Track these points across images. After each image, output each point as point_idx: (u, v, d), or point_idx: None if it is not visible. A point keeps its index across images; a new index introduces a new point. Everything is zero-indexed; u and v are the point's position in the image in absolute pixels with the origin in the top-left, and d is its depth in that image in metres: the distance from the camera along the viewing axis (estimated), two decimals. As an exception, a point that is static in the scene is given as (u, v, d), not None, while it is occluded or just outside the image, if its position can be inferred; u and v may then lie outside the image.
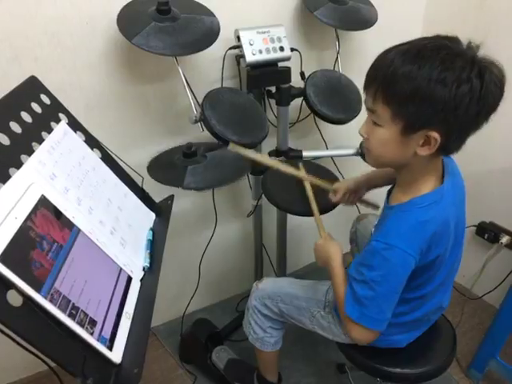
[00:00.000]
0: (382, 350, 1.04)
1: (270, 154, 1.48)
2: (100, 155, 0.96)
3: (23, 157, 0.74)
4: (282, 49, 1.29)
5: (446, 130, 0.76)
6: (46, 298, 0.60)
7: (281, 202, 1.22)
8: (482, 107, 0.74)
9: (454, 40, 0.76)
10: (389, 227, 0.87)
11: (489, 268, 1.71)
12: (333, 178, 1.31)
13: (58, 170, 0.79)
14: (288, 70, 1.32)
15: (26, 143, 0.77)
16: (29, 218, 0.65)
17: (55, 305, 0.62)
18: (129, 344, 0.72)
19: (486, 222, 1.70)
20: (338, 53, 1.45)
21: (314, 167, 1.35)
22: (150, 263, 0.90)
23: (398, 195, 0.91)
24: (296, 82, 1.36)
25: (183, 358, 1.57)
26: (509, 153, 1.57)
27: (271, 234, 1.66)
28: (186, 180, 1.05)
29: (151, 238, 0.97)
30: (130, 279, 0.83)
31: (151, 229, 1.00)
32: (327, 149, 1.65)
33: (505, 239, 1.62)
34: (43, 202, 0.70)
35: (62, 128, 0.87)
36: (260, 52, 1.25)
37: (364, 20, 1.40)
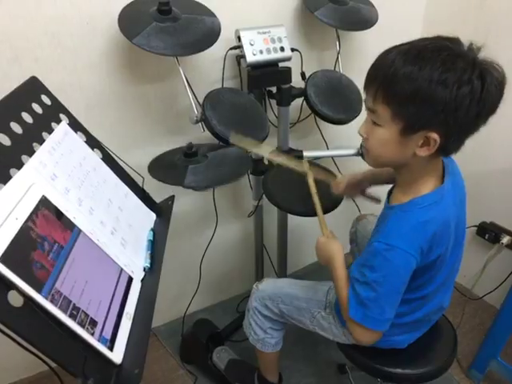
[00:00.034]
0: (383, 350, 1.04)
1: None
2: (101, 155, 0.96)
3: (24, 157, 0.74)
4: (282, 49, 1.29)
5: (446, 131, 0.76)
6: (46, 298, 0.61)
7: (281, 202, 1.22)
8: (482, 109, 0.74)
9: (455, 41, 0.76)
10: (389, 228, 0.87)
11: (489, 268, 1.71)
12: (333, 179, 1.30)
13: (59, 170, 0.79)
14: (288, 71, 1.32)
15: (26, 144, 0.77)
16: (30, 218, 0.65)
17: (56, 305, 0.62)
18: (129, 344, 0.72)
19: (486, 222, 1.70)
20: (338, 53, 1.45)
21: (314, 167, 1.35)
22: (151, 263, 0.90)
23: (398, 195, 0.91)
24: (296, 82, 1.36)
25: (184, 358, 1.57)
26: (509, 153, 1.57)
27: (272, 234, 1.66)
28: (186, 179, 1.05)
29: (152, 238, 0.97)
30: (130, 280, 0.83)
31: (152, 229, 1.00)
32: (328, 149, 1.65)
33: (505, 239, 1.62)
34: (44, 203, 0.70)
35: (62, 128, 0.87)
36: (261, 52, 1.25)
37: (364, 20, 1.40)
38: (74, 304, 0.65)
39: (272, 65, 1.29)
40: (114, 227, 0.87)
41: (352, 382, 1.41)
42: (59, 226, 0.71)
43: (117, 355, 0.69)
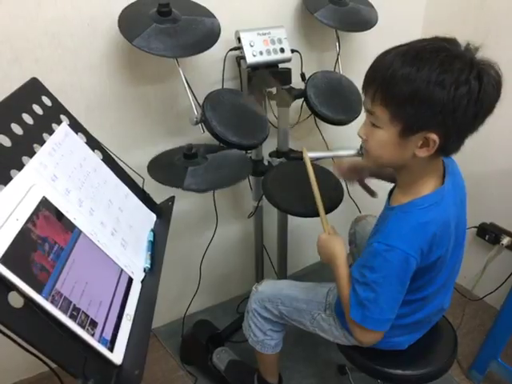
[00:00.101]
0: (383, 351, 1.04)
1: (271, 155, 1.48)
2: (101, 156, 0.96)
3: (24, 158, 0.74)
4: (282, 50, 1.29)
5: (445, 131, 0.76)
6: (47, 299, 0.61)
7: (281, 203, 1.22)
8: (480, 109, 0.75)
9: (453, 42, 0.76)
10: (390, 228, 0.87)
11: (490, 269, 1.71)
12: (333, 180, 1.31)
13: (59, 171, 0.79)
14: (288, 72, 1.32)
15: (27, 145, 0.77)
16: (30, 219, 0.65)
17: (56, 306, 0.62)
18: (130, 345, 0.72)
19: (486, 223, 1.70)
20: (338, 54, 1.45)
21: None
22: (151, 264, 0.90)
23: (398, 196, 0.91)
24: (296, 83, 1.36)
25: (184, 359, 1.57)
26: (509, 154, 1.57)
27: (272, 235, 1.66)
28: (186, 181, 1.05)
29: (152, 239, 0.97)
30: (130, 280, 0.83)
31: (152, 230, 1.00)
32: (328, 150, 1.65)
33: (506, 240, 1.62)
34: (44, 204, 0.70)
35: (63, 129, 0.87)
36: (260, 53, 1.25)
37: (364, 21, 1.40)
38: (75, 305, 0.65)
39: (272, 66, 1.30)
40: (115, 228, 0.88)
41: (352, 383, 1.41)
42: (60, 227, 0.71)
43: (117, 356, 0.69)
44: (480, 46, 0.75)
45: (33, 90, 0.87)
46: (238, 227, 1.71)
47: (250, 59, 1.24)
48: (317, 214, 1.10)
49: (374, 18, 1.42)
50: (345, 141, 1.62)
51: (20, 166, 0.72)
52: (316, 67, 1.50)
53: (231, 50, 1.28)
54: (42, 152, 0.78)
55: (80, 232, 0.76)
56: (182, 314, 1.66)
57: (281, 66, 1.31)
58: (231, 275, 1.80)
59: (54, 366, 0.61)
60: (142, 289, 0.84)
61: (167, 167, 1.13)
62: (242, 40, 1.24)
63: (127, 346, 0.72)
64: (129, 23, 1.09)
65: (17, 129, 0.76)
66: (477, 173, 1.51)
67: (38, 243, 0.64)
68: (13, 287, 0.57)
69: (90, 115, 1.21)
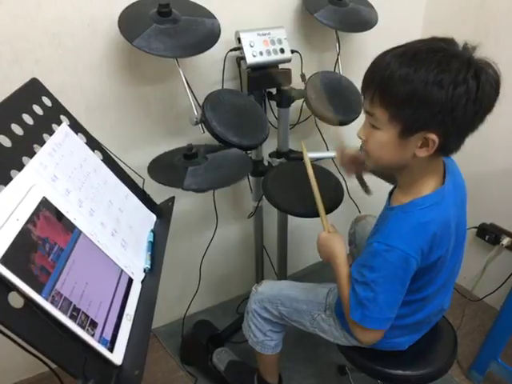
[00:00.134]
0: (383, 352, 1.04)
1: (271, 155, 1.48)
2: (101, 157, 0.96)
3: (25, 159, 0.74)
4: (282, 50, 1.29)
5: (444, 131, 0.76)
6: (47, 299, 0.61)
7: (281, 203, 1.22)
8: (479, 108, 0.75)
9: (450, 42, 0.76)
10: (390, 228, 0.87)
11: (490, 270, 1.71)
12: (333, 180, 1.31)
13: (60, 171, 0.80)
14: (289, 72, 1.32)
15: (27, 145, 0.77)
16: (30, 220, 0.65)
17: (56, 306, 0.62)
18: (130, 346, 0.72)
19: (486, 223, 1.70)
20: (338, 54, 1.45)
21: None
22: (151, 265, 0.90)
23: (398, 196, 0.91)
24: (296, 83, 1.36)
25: (184, 359, 1.57)
26: (509, 154, 1.57)
27: (272, 235, 1.66)
28: (186, 181, 1.05)
29: (152, 239, 0.97)
30: (130, 281, 0.83)
31: (152, 230, 1.00)
32: (328, 150, 1.65)
33: (506, 241, 1.62)
34: (44, 204, 0.70)
35: (63, 130, 0.87)
36: (261, 54, 1.25)
37: (364, 21, 1.40)
38: (75, 305, 0.65)
39: (272, 66, 1.30)
40: (115, 228, 0.88)
41: (352, 384, 1.41)
42: (60, 228, 0.71)
43: (117, 356, 0.69)
44: (477, 45, 0.75)
45: (33, 90, 0.87)
46: (238, 227, 1.71)
47: (250, 60, 1.24)
48: (317, 215, 1.10)
49: (374, 18, 1.42)
50: (345, 141, 1.62)
51: (20, 167, 0.72)
52: (316, 67, 1.50)
53: (231, 50, 1.28)
54: (42, 152, 0.78)
55: (80, 232, 0.76)
56: (182, 315, 1.66)
57: (281, 66, 1.31)
58: (231, 275, 1.80)
59: (54, 366, 0.61)
60: (142, 289, 0.84)
61: (167, 167, 1.14)
62: (242, 40, 1.24)
63: (127, 346, 0.72)
64: (129, 23, 1.09)
65: (17, 129, 0.76)
66: (477, 173, 1.51)
67: (38, 243, 0.64)
68: (13, 287, 0.57)
69: (90, 116, 1.21)
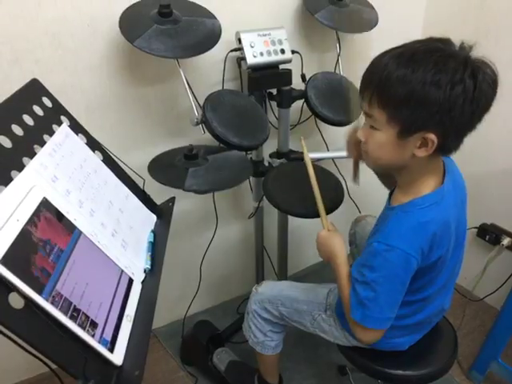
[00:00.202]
0: (384, 352, 1.04)
1: (271, 155, 1.48)
2: (101, 157, 0.96)
3: (25, 159, 0.74)
4: (282, 51, 1.29)
5: (443, 131, 0.77)
6: (47, 300, 0.61)
7: (282, 204, 1.22)
8: (476, 107, 0.75)
9: (447, 42, 0.76)
10: (390, 228, 0.87)
11: (490, 270, 1.71)
12: (333, 181, 1.31)
13: (60, 172, 0.80)
14: (289, 72, 1.32)
15: (27, 146, 0.77)
16: (30, 220, 0.65)
17: (57, 307, 0.62)
18: (130, 346, 0.72)
19: (487, 223, 1.70)
20: (338, 55, 1.45)
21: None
22: (151, 265, 0.90)
23: (398, 196, 0.91)
24: (297, 84, 1.36)
25: (184, 359, 1.57)
26: (509, 154, 1.57)
27: (272, 235, 1.66)
28: (187, 182, 1.05)
29: (152, 239, 0.97)
30: (131, 281, 0.83)
31: (152, 231, 1.00)
32: (328, 150, 1.65)
33: (506, 241, 1.62)
34: (45, 205, 0.70)
35: (63, 130, 0.87)
36: (261, 54, 1.25)
37: (364, 22, 1.41)
38: (75, 306, 0.65)
39: (272, 67, 1.30)
40: (115, 229, 0.88)
41: (352, 384, 1.41)
42: (60, 228, 0.71)
43: (117, 357, 0.69)
44: (474, 45, 0.76)
45: (33, 91, 0.87)
46: (239, 228, 1.71)
47: (251, 60, 1.24)
48: (317, 215, 1.10)
49: (375, 19, 1.42)
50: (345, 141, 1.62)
51: (20, 167, 0.72)
52: (316, 68, 1.50)
53: (232, 50, 1.28)
54: (42, 153, 0.78)
55: (80, 233, 0.76)
56: (183, 315, 1.66)
57: (281, 66, 1.31)
58: (231, 276, 1.80)
59: (54, 366, 0.61)
60: (142, 289, 0.84)
61: (168, 168, 1.14)
62: (243, 41, 1.24)
63: (127, 346, 0.72)
64: (130, 24, 1.09)
65: (17, 130, 0.76)
66: (477, 173, 1.51)
67: (38, 244, 0.64)
68: (13, 288, 0.57)
69: (91, 116, 1.21)
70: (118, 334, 0.72)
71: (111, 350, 0.68)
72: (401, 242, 0.84)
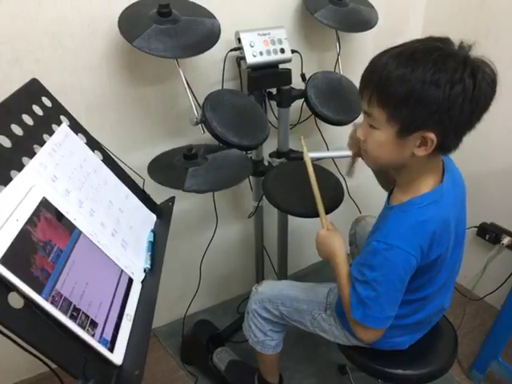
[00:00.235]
0: (384, 351, 1.04)
1: (271, 155, 1.48)
2: (101, 157, 0.96)
3: (24, 159, 0.74)
4: (282, 50, 1.29)
5: (442, 130, 0.77)
6: (47, 300, 0.61)
7: (281, 203, 1.22)
8: (476, 106, 0.75)
9: (446, 41, 0.76)
10: (389, 227, 0.87)
11: (490, 269, 1.71)
12: (333, 180, 1.31)
13: (60, 172, 0.80)
14: (289, 72, 1.32)
15: (27, 146, 0.77)
16: (30, 220, 0.65)
17: (56, 307, 0.62)
18: (130, 346, 0.72)
19: (487, 222, 1.70)
20: (338, 54, 1.45)
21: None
22: (151, 265, 0.90)
23: (397, 195, 0.91)
24: (297, 83, 1.36)
25: (184, 359, 1.57)
26: (509, 153, 1.57)
27: (272, 235, 1.66)
28: (187, 182, 1.05)
29: (152, 239, 0.97)
30: (131, 281, 0.83)
31: (152, 230, 1.00)
32: (328, 150, 1.65)
33: (506, 240, 1.62)
34: (44, 205, 0.70)
35: (63, 130, 0.87)
36: (261, 54, 1.25)
37: (364, 21, 1.40)
38: (75, 305, 0.65)
39: (272, 66, 1.30)
40: (115, 229, 0.88)
41: (352, 383, 1.41)
42: (60, 228, 0.71)
43: (117, 356, 0.69)
44: (473, 44, 0.76)
45: (33, 90, 0.87)
46: (238, 227, 1.71)
47: (250, 60, 1.24)
48: (317, 215, 1.10)
49: (375, 18, 1.42)
50: (345, 141, 1.62)
51: (20, 167, 0.72)
52: (316, 67, 1.50)
53: (231, 50, 1.28)
54: (42, 153, 0.78)
55: (80, 233, 0.76)
56: (183, 314, 1.66)
57: (281, 66, 1.31)
58: (231, 275, 1.80)
59: (54, 366, 0.61)
60: (142, 289, 0.84)
61: (167, 168, 1.14)
62: (242, 40, 1.24)
63: (127, 346, 0.72)
64: (129, 24, 1.09)
65: (17, 129, 0.76)
66: (477, 173, 1.51)
67: (38, 244, 0.64)
68: (13, 288, 0.57)
69: (90, 116, 1.21)
70: (117, 333, 0.72)
71: (111, 349, 0.68)
72: (400, 240, 0.84)
